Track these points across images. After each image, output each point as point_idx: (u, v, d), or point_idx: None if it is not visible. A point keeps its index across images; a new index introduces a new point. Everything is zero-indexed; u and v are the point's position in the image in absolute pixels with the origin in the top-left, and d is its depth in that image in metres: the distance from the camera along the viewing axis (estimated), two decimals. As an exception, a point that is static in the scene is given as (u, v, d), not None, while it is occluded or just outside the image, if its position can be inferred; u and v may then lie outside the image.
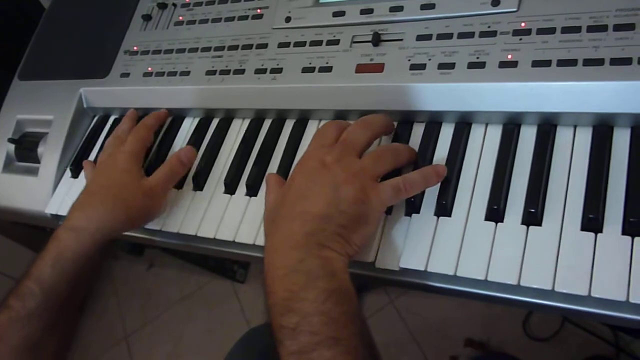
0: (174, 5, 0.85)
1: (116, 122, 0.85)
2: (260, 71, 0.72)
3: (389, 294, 1.51)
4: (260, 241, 0.64)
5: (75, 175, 0.82)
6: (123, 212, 0.67)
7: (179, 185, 0.74)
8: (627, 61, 0.53)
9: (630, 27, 0.54)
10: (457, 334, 1.38)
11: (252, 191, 0.69)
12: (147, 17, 0.86)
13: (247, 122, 0.75)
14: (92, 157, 0.83)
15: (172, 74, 0.79)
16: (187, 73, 0.78)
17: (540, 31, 0.58)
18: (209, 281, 1.80)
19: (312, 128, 0.70)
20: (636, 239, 0.49)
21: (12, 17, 1.23)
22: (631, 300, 0.47)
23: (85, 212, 0.67)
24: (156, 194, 0.70)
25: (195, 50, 0.79)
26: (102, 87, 0.84)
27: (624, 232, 0.50)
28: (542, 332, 1.31)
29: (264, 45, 0.74)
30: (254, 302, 1.70)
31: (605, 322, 0.56)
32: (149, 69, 0.82)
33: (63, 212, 0.79)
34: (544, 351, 1.30)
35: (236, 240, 0.66)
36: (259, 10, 0.77)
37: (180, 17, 0.84)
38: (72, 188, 0.81)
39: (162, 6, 0.86)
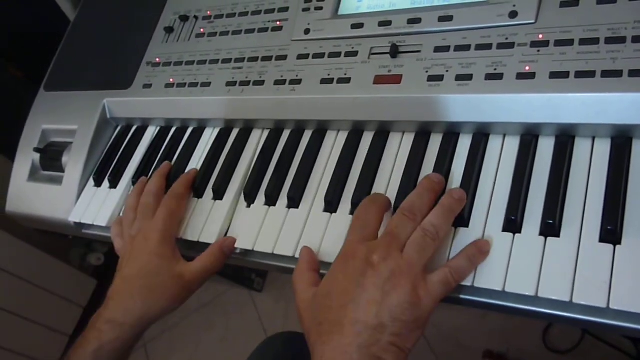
0: (196, 17, 0.87)
1: (138, 132, 0.87)
2: (279, 82, 0.73)
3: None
4: (280, 250, 0.65)
5: (98, 184, 0.84)
6: (159, 305, 0.68)
7: (199, 195, 0.75)
8: (644, 73, 0.52)
9: (648, 38, 0.54)
10: (476, 345, 1.37)
11: (270, 201, 0.70)
12: (169, 30, 0.88)
13: (266, 132, 0.76)
14: (114, 167, 0.84)
15: (193, 85, 0.81)
16: (208, 84, 0.79)
17: (558, 43, 0.58)
18: (227, 290, 1.81)
19: (330, 139, 0.71)
20: (654, 251, 0.49)
21: (39, 29, 1.26)
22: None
23: (123, 303, 0.67)
24: (193, 282, 0.69)
25: (216, 61, 0.81)
26: (125, 97, 0.86)
27: (643, 244, 0.50)
28: (562, 345, 1.29)
29: (283, 57, 0.75)
30: (271, 310, 1.71)
31: (626, 334, 0.55)
32: (171, 80, 0.83)
33: (86, 220, 0.81)
34: (564, 363, 1.29)
35: (255, 249, 0.67)
36: (278, 23, 0.78)
37: (202, 30, 0.85)
38: (95, 197, 0.83)
39: (184, 19, 0.87)
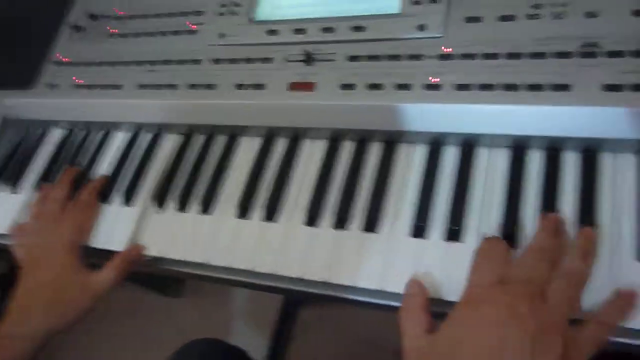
0: (107, 17, 0.84)
1: (42, 134, 0.83)
2: (193, 87, 0.72)
3: (322, 307, 1.52)
4: (191, 257, 0.64)
5: (-4, 188, 0.79)
6: (64, 317, 0.64)
7: (107, 200, 0.73)
8: (541, 87, 0.56)
9: (544, 55, 0.57)
10: (391, 345, 1.40)
11: (182, 206, 0.69)
12: (77, 28, 0.84)
13: (179, 137, 0.75)
14: (15, 170, 0.80)
15: (103, 86, 0.78)
16: (119, 86, 0.77)
17: (463, 56, 0.61)
18: (142, 296, 1.75)
19: (243, 144, 0.71)
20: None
21: None
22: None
23: (24, 317, 0.64)
24: (99, 293, 0.66)
25: (127, 63, 0.78)
26: (27, 98, 0.82)
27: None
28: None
29: (197, 61, 0.74)
30: (188, 317, 1.67)
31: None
32: (79, 80, 0.80)
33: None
34: None
35: (165, 256, 0.66)
36: (193, 26, 0.77)
37: (113, 30, 0.82)
38: (-7, 201, 0.78)
39: (94, 17, 0.84)
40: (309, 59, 0.67)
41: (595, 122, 0.54)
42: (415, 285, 0.53)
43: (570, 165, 0.57)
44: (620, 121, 0.53)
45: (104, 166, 0.77)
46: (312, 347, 1.48)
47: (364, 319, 1.44)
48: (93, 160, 0.77)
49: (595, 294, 0.49)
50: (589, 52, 0.56)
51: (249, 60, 0.71)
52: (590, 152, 0.57)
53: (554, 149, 0.58)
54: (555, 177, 0.57)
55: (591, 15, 0.58)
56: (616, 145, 0.56)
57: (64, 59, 0.83)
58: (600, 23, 0.57)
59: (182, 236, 0.67)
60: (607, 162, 0.56)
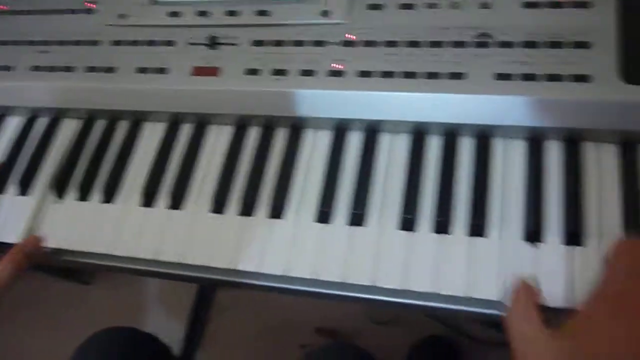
0: (-5, -8, 0.78)
1: None
2: (91, 69, 0.69)
3: (238, 289, 1.53)
4: (94, 247, 0.62)
5: None
6: None
7: (0, 190, 0.69)
8: (438, 75, 0.58)
9: (441, 44, 0.59)
10: (309, 323, 1.43)
11: (83, 195, 0.66)
12: (-38, 4, 0.78)
13: (78, 122, 0.72)
14: None
15: (-8, 68, 0.73)
16: (10, 68, 0.72)
17: (366, 43, 0.62)
18: (52, 284, 1.68)
19: (147, 130, 0.69)
20: (444, 236, 0.55)
21: None
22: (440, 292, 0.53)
23: None
24: None
25: (19, 43, 0.73)
26: None
27: (435, 231, 0.56)
28: (384, 316, 1.40)
29: (95, 42, 0.70)
30: (99, 304, 1.62)
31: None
32: (-36, 61, 0.74)
33: None
34: (388, 334, 1.39)
35: (67, 248, 0.64)
36: (90, 5, 0.73)
37: (3, 7, 0.77)
38: None
39: (-20, -7, 0.78)
40: (212, 43, 0.66)
41: (488, 110, 0.57)
42: (524, 285, 0.50)
43: (466, 150, 0.60)
44: (511, 109, 0.56)
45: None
46: (228, 329, 1.48)
47: (281, 299, 1.45)
48: (-16, 148, 0.73)
49: (484, 274, 0.52)
50: (482, 42, 0.58)
51: (150, 43, 0.69)
52: (484, 138, 0.60)
53: (450, 134, 0.60)
54: (451, 162, 0.59)
55: (485, 6, 0.60)
56: (507, 131, 0.59)
57: (-55, 38, 0.76)
58: (494, 14, 0.60)
59: (83, 226, 0.64)
60: (499, 148, 0.59)
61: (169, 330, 1.47)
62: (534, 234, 0.53)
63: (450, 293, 0.53)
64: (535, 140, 0.58)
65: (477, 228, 0.55)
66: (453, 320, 1.35)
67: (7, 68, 0.72)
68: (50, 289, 1.68)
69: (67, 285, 1.67)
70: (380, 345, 1.07)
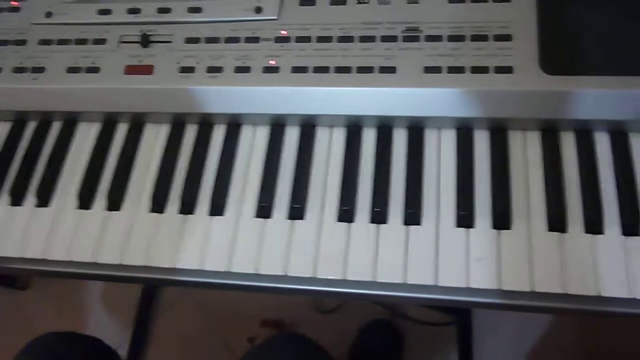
0: None
1: None
2: (18, 70, 0.67)
3: (184, 286, 1.52)
4: (27, 252, 0.61)
5: None
6: None
7: None
8: (369, 69, 0.59)
9: (372, 39, 0.61)
10: (254, 316, 1.44)
11: (15, 200, 0.65)
12: None
13: (7, 125, 0.70)
14: None
15: None
16: None
17: (299, 39, 0.63)
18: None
19: (81, 131, 0.68)
20: (381, 226, 0.57)
21: None
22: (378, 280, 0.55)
23: None
24: None
25: (-62, 44, 0.70)
26: None
27: (371, 221, 0.58)
28: (329, 304, 1.42)
29: (22, 42, 0.68)
30: (37, 310, 1.57)
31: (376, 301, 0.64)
32: None
33: None
34: (334, 321, 1.42)
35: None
36: (15, 3, 0.71)
37: None
38: None
39: None
40: (145, 41, 0.65)
41: (419, 102, 0.59)
42: None
43: (400, 141, 0.62)
44: (440, 101, 0.58)
45: None
46: (175, 326, 1.47)
47: (224, 293, 1.46)
48: None
49: (421, 260, 0.54)
50: (411, 36, 0.60)
51: (80, 42, 0.67)
52: (417, 129, 0.62)
53: (385, 126, 0.62)
54: (387, 153, 0.61)
55: (413, 1, 0.62)
56: (438, 122, 0.61)
57: None
58: (421, 9, 0.62)
59: (17, 231, 0.63)
60: (431, 137, 0.62)
61: (114, 332, 1.44)
62: (465, 219, 0.56)
63: (387, 280, 0.55)
64: (464, 130, 0.61)
65: (413, 216, 0.57)
66: (395, 304, 1.39)
67: None
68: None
69: (1, 290, 1.61)
70: (327, 333, 1.09)
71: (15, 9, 0.71)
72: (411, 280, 0.54)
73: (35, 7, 0.70)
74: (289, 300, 1.44)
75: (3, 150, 0.68)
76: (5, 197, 0.65)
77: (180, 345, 1.46)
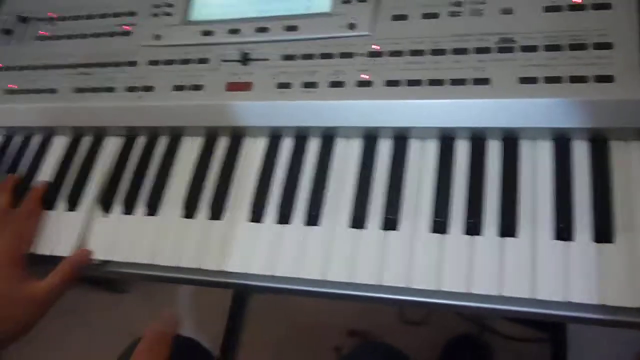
0: (37, 19, 0.83)
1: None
2: (130, 89, 0.72)
3: (271, 295, 1.55)
4: (138, 258, 0.66)
5: None
6: (11, 331, 0.64)
7: (51, 207, 0.73)
8: (462, 82, 0.60)
9: (465, 51, 0.61)
10: (341, 326, 1.45)
11: (128, 209, 0.70)
12: (6, 32, 0.83)
13: (119, 139, 0.76)
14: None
15: (38, 91, 0.77)
16: (53, 90, 0.76)
17: (391, 53, 0.64)
18: (86, 294, 1.73)
19: (185, 145, 0.73)
20: (475, 237, 0.57)
21: None
22: (473, 291, 0.55)
23: None
24: (46, 301, 0.66)
25: (61, 67, 0.78)
26: (-41, 105, 0.80)
27: (465, 233, 0.58)
28: (415, 316, 1.42)
29: (133, 63, 0.74)
30: (136, 313, 1.67)
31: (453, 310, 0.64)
32: (12, 85, 0.79)
33: None
34: (419, 333, 1.41)
35: (113, 259, 0.67)
36: (126, 27, 0.77)
37: (44, 32, 0.81)
38: None
39: (23, 20, 0.83)
40: (244, 59, 0.69)
41: (514, 113, 0.59)
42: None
43: (494, 152, 0.61)
44: (536, 111, 0.58)
45: (46, 172, 0.76)
46: (263, 333, 1.51)
47: (312, 302, 1.48)
48: (34, 167, 0.77)
49: (517, 273, 0.54)
50: (505, 47, 0.60)
51: (185, 61, 0.72)
52: (511, 140, 0.61)
53: (478, 138, 0.62)
54: (481, 164, 0.61)
55: (507, 12, 0.62)
56: (534, 133, 0.60)
57: (-6, 64, 0.81)
58: (515, 19, 0.61)
59: (129, 238, 0.68)
60: (526, 149, 0.61)
61: (205, 338, 1.50)
62: (564, 232, 0.55)
63: (482, 292, 0.55)
64: (561, 141, 0.60)
65: (508, 228, 0.56)
66: (482, 318, 1.37)
67: (52, 90, 0.76)
68: (86, 297, 1.73)
69: (103, 294, 1.72)
70: (412, 345, 1.09)
71: (126, 33, 0.77)
72: (507, 293, 0.54)
73: (145, 30, 0.76)
74: (374, 310, 1.45)
75: (116, 163, 0.74)
76: (119, 207, 0.71)
77: (269, 352, 1.50)
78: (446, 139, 0.63)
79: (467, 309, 0.58)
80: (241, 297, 1.52)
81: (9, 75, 0.80)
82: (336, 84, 0.64)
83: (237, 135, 0.71)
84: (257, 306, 1.55)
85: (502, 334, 1.33)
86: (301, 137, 0.68)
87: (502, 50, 0.60)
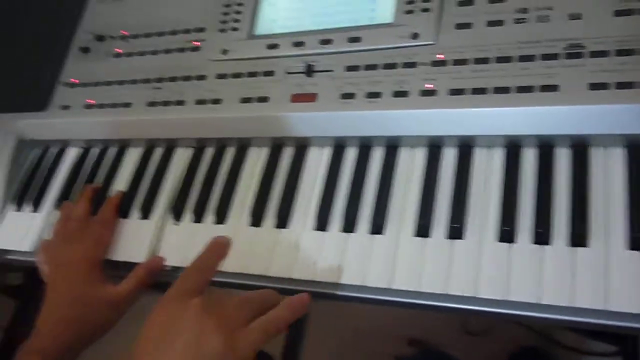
0: (112, 37, 0.87)
1: (58, 154, 0.87)
2: (200, 102, 0.75)
3: (332, 303, 1.56)
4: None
5: (19, 208, 0.83)
6: (89, 332, 0.68)
7: (126, 215, 0.76)
8: (530, 89, 0.59)
9: (532, 58, 0.61)
10: (402, 335, 1.44)
11: (198, 217, 0.73)
12: (85, 50, 0.88)
13: (189, 150, 0.79)
14: (35, 190, 0.84)
15: (113, 105, 0.81)
16: (128, 105, 0.80)
17: (456, 62, 0.64)
18: (152, 300, 1.79)
19: (252, 155, 0.75)
20: (544, 247, 0.56)
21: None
22: (544, 302, 0.54)
23: (52, 332, 0.67)
24: (122, 305, 0.70)
25: (135, 82, 0.82)
26: (42, 119, 0.85)
27: (533, 242, 0.57)
28: (479, 327, 1.39)
29: (202, 77, 0.77)
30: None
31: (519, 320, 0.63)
32: (90, 100, 0.83)
33: (9, 245, 0.81)
34: (482, 344, 1.38)
35: (184, 266, 0.69)
36: (195, 43, 0.80)
37: (119, 50, 0.86)
38: (17, 221, 0.82)
39: (100, 38, 0.88)
40: (309, 71, 0.71)
41: (584, 120, 0.57)
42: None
43: (563, 160, 0.60)
44: (607, 118, 0.56)
45: (121, 182, 0.80)
46: (324, 340, 1.52)
47: (375, 310, 1.48)
48: (110, 177, 0.81)
49: (588, 284, 0.53)
50: (574, 52, 0.59)
51: (251, 74, 0.74)
52: (581, 147, 0.60)
53: (545, 146, 0.61)
54: (549, 172, 0.60)
55: (575, 17, 0.61)
56: (605, 140, 0.59)
57: (73, 81, 0.86)
58: (584, 24, 0.60)
59: (199, 246, 0.70)
60: (597, 156, 0.59)
61: (266, 345, 1.53)
62: (638, 241, 0.53)
63: (553, 303, 0.54)
64: (635, 148, 0.58)
65: (579, 238, 0.55)
66: (546, 329, 1.33)
67: (126, 105, 0.80)
68: (148, 299, 1.79)
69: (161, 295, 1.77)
70: (474, 357, 1.07)
71: (196, 49, 0.80)
72: (578, 304, 0.53)
73: (213, 45, 0.79)
74: (436, 319, 1.43)
75: (186, 173, 0.77)
76: (189, 215, 0.73)
77: (329, 358, 1.50)
78: (513, 147, 0.62)
79: (535, 320, 0.57)
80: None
81: (87, 91, 0.84)
82: (400, 94, 0.65)
83: (302, 145, 0.72)
84: (318, 312, 1.56)
85: (568, 347, 1.29)
86: (365, 146, 0.69)
87: (570, 56, 0.59)
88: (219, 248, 0.67)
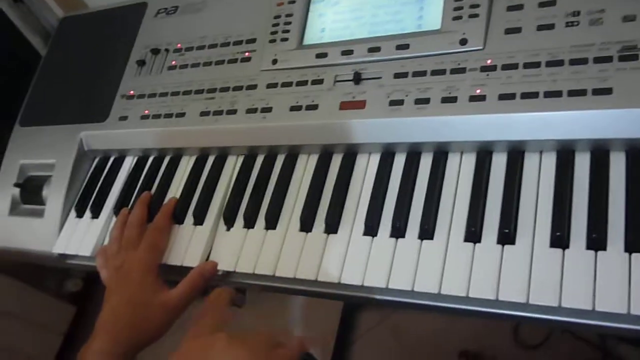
0: (167, 50, 0.91)
1: (116, 163, 0.90)
2: (251, 111, 0.78)
3: (379, 312, 1.55)
4: (260, 270, 0.70)
5: (80, 215, 0.87)
6: (147, 334, 0.70)
7: (180, 221, 0.79)
8: (582, 92, 0.58)
9: (584, 61, 0.60)
10: (451, 347, 1.42)
11: (249, 223, 0.74)
12: (141, 63, 0.92)
13: (240, 158, 0.81)
14: (94, 197, 0.88)
15: (168, 115, 0.84)
16: (182, 114, 0.83)
17: (505, 67, 0.64)
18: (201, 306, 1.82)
19: (301, 162, 0.76)
20: (599, 252, 0.55)
21: (9, 64, 1.28)
22: (597, 309, 0.53)
23: (111, 334, 0.68)
24: (177, 308, 0.72)
25: (188, 92, 0.85)
26: (101, 130, 0.89)
27: (587, 247, 0.56)
28: (532, 340, 1.36)
29: (253, 87, 0.79)
30: (252, 326, 1.73)
31: (575, 329, 0.61)
32: (146, 111, 0.87)
33: (70, 250, 0.84)
34: (535, 358, 1.35)
35: (236, 271, 0.72)
36: (247, 54, 0.83)
37: (173, 62, 0.89)
38: (77, 227, 0.86)
39: (156, 52, 0.91)
40: (357, 79, 0.72)
41: (639, 123, 0.56)
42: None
43: (617, 164, 0.59)
44: (664, 120, 0.55)
45: (175, 189, 0.83)
46: (371, 350, 1.51)
47: (424, 321, 1.46)
48: (165, 184, 0.84)
49: (647, 289, 0.51)
50: (628, 55, 0.58)
51: (301, 83, 0.76)
52: (637, 151, 0.59)
53: (599, 149, 0.60)
54: (604, 177, 0.59)
55: (629, 19, 0.60)
56: (662, 143, 0.57)
57: (131, 93, 0.90)
58: (639, 26, 0.59)
59: (250, 251, 0.72)
60: (654, 160, 0.58)
61: (314, 350, 1.53)
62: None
63: (608, 310, 0.52)
64: (694, 151, 0.56)
65: (635, 244, 0.54)
66: (605, 341, 1.28)
67: (181, 114, 0.83)
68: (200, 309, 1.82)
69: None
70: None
71: (247, 59, 0.82)
72: (636, 311, 0.52)
73: (263, 56, 0.81)
74: (488, 331, 1.41)
75: (238, 180, 0.79)
76: (240, 221, 0.75)
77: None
78: (565, 152, 0.62)
79: (589, 328, 0.56)
80: (351, 311, 1.54)
81: (143, 102, 0.88)
82: (449, 100, 0.65)
83: (351, 152, 0.73)
84: (367, 321, 1.55)
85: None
86: (414, 152, 0.69)
87: (624, 58, 0.58)
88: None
